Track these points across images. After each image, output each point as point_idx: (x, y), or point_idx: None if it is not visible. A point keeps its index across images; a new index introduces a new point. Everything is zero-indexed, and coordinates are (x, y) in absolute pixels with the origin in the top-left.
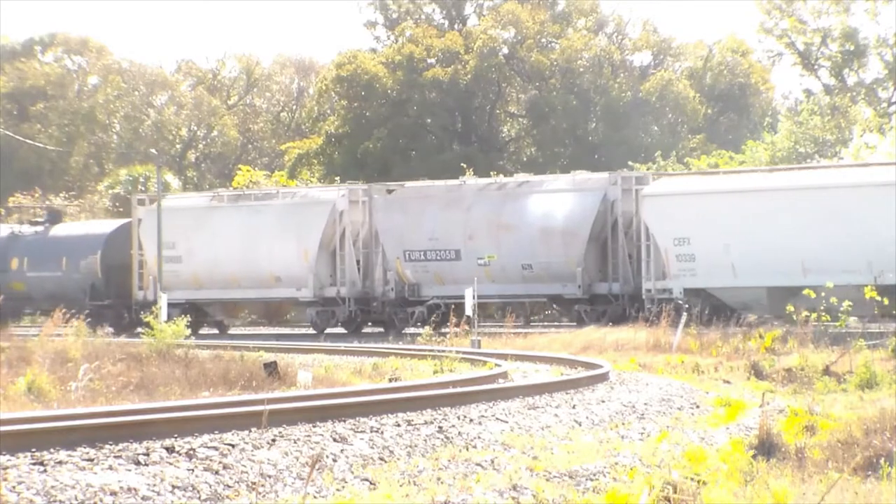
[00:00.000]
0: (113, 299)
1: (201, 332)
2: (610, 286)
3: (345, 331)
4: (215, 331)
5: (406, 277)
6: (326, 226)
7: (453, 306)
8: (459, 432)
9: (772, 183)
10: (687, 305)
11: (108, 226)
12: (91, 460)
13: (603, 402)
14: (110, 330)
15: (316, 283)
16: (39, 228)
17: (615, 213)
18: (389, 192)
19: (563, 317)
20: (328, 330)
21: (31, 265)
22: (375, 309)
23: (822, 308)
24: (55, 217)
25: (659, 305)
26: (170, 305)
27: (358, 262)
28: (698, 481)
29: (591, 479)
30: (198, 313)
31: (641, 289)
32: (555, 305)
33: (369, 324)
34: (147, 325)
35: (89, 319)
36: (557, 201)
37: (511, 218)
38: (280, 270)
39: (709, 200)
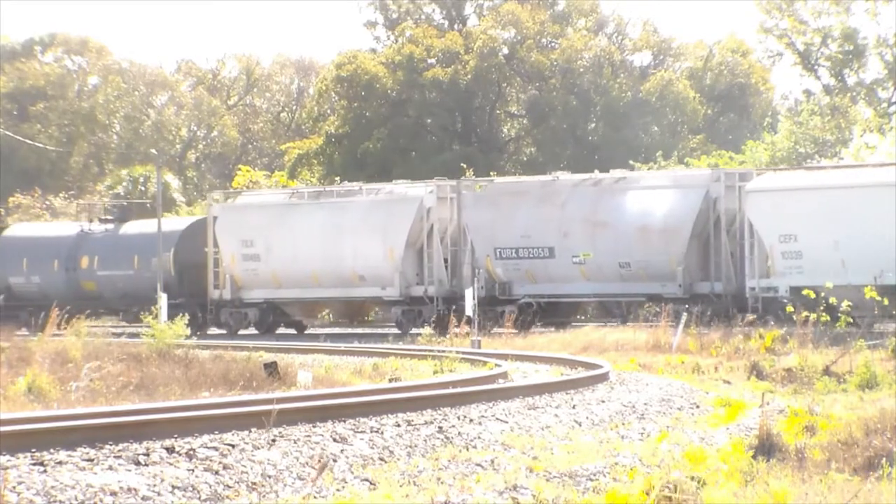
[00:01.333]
0: (186, 298)
1: (279, 332)
2: (712, 285)
3: (431, 331)
4: (292, 331)
5: (496, 276)
6: (413, 223)
7: (545, 305)
8: (459, 432)
9: (883, 178)
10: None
11: (181, 223)
12: (91, 460)
13: (603, 402)
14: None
15: (402, 281)
16: (109, 226)
17: (717, 210)
18: (479, 187)
19: (663, 317)
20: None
21: (101, 264)
22: (463, 308)
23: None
24: (125, 214)
25: (764, 304)
26: (247, 305)
27: (445, 259)
28: (698, 481)
29: (591, 479)
30: (275, 313)
31: (745, 288)
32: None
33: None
34: (225, 324)
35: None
36: (657, 198)
37: (607, 215)
38: (364, 269)
39: (817, 196)
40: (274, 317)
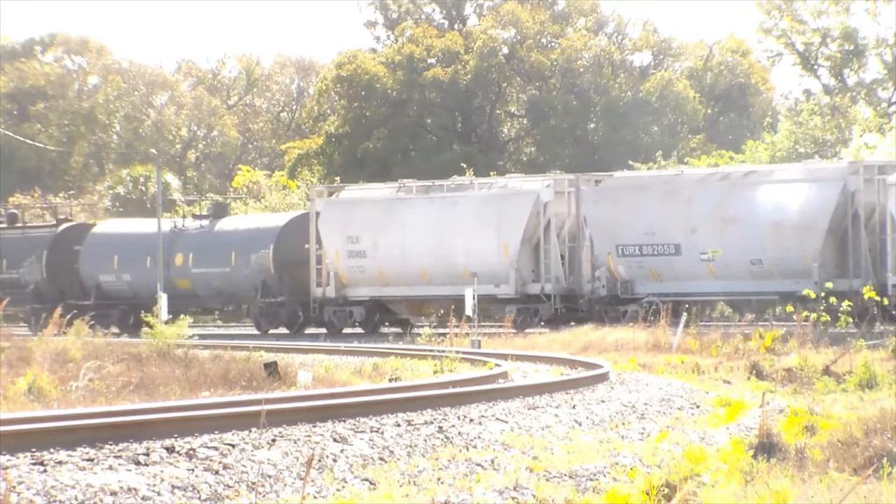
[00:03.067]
0: (287, 296)
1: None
2: (850, 282)
3: (546, 329)
4: (398, 330)
5: (618, 274)
6: (530, 218)
7: (670, 305)
8: (459, 432)
9: None
10: (687, 306)
11: (280, 219)
12: (91, 460)
13: (603, 402)
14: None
15: (518, 279)
16: (204, 222)
17: (856, 204)
18: (598, 182)
19: (796, 316)
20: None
21: (196, 261)
22: (581, 306)
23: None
24: (220, 210)
25: None
26: (351, 303)
27: (562, 256)
28: (698, 481)
29: (591, 479)
30: (381, 311)
31: (886, 285)
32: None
33: (572, 322)
34: (328, 323)
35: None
36: (790, 192)
37: (737, 210)
38: (477, 266)
39: None
40: (379, 315)
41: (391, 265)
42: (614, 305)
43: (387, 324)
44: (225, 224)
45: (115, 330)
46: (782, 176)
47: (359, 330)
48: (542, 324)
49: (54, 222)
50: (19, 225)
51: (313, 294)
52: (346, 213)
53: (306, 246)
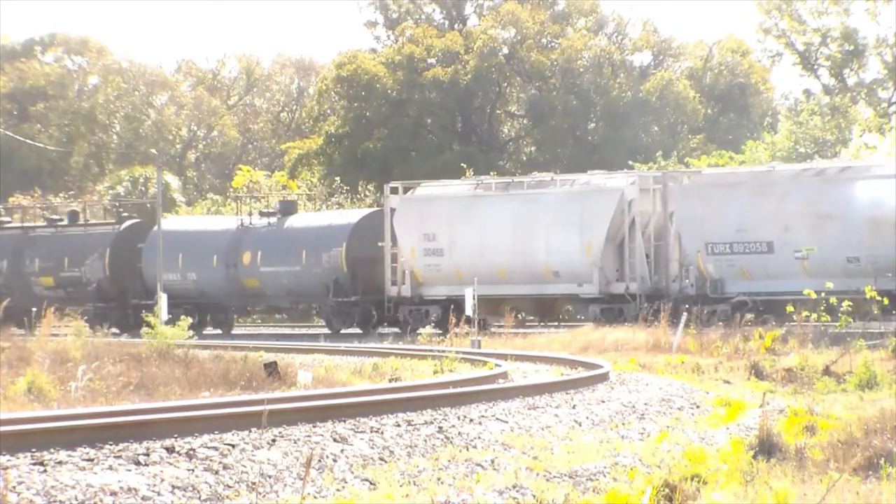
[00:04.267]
0: (360, 295)
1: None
2: None
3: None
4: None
5: (707, 272)
6: (614, 216)
7: (763, 304)
8: (459, 432)
9: None
10: (686, 306)
11: (352, 216)
12: (91, 460)
13: (603, 402)
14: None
15: (601, 278)
16: (272, 220)
17: None
18: (686, 179)
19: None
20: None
21: (265, 259)
22: (667, 306)
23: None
24: (288, 208)
25: None
26: (427, 302)
27: (647, 255)
28: (698, 481)
29: (591, 479)
30: (458, 310)
31: None
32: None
33: (656, 322)
34: (403, 322)
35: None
36: (888, 187)
37: (833, 206)
38: (559, 264)
39: None
40: (455, 315)
41: (469, 263)
42: (703, 305)
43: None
44: (295, 221)
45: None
46: (882, 171)
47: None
48: (627, 324)
49: (116, 220)
50: (81, 223)
51: (388, 293)
52: (422, 211)
53: (380, 244)
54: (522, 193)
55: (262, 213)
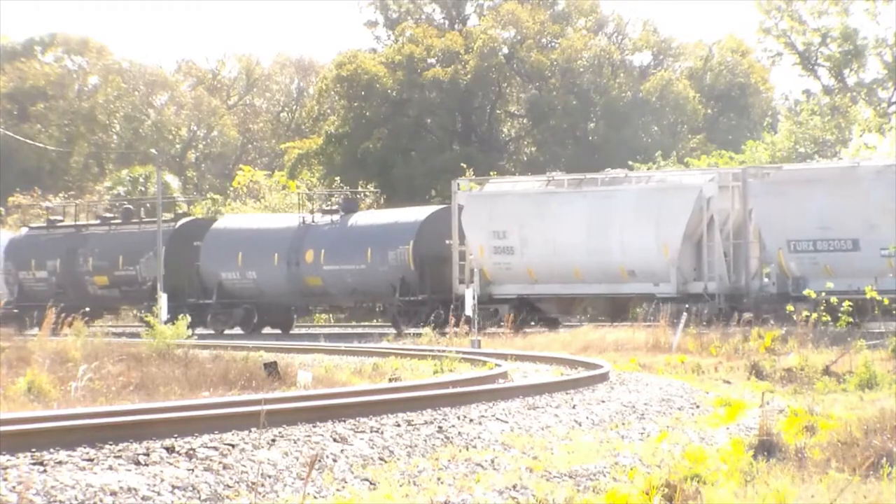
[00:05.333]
0: (427, 294)
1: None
2: None
3: (707, 328)
4: (544, 329)
5: (789, 270)
6: (692, 214)
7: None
8: (459, 432)
9: None
10: (686, 306)
11: (419, 213)
12: (91, 460)
13: (603, 402)
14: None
15: (679, 277)
16: (335, 217)
17: None
18: (766, 175)
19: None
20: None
21: (328, 257)
22: (746, 305)
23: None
24: (351, 205)
25: None
26: (497, 301)
27: (724, 253)
28: (698, 481)
29: (591, 479)
30: (527, 309)
31: None
32: None
33: (735, 322)
34: (470, 322)
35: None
36: None
37: None
38: (634, 263)
39: None
40: (526, 313)
41: (541, 262)
42: (784, 303)
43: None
44: (359, 219)
45: (238, 330)
46: None
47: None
48: (705, 324)
49: (172, 217)
50: (135, 220)
51: (455, 292)
52: (492, 208)
53: (448, 241)
54: (596, 190)
55: (324, 211)
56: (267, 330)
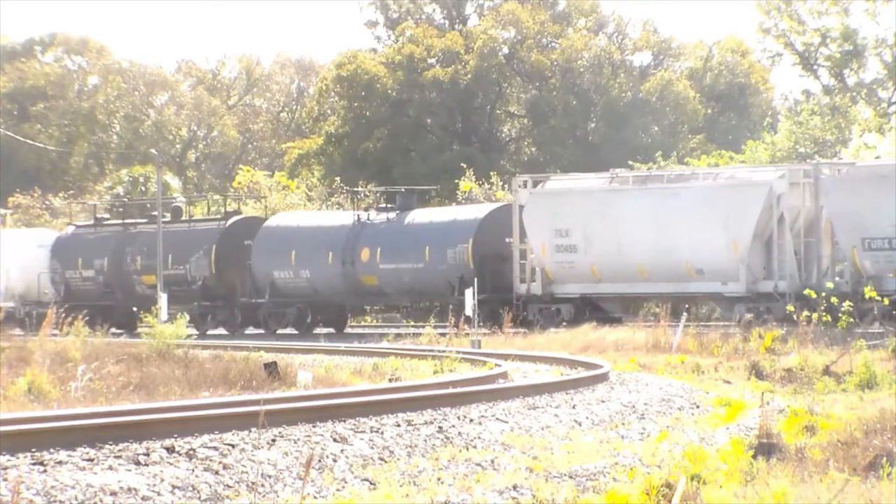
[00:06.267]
0: (488, 294)
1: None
2: None
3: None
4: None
5: (863, 269)
6: (762, 211)
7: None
8: (459, 432)
9: None
10: (686, 306)
11: (478, 210)
12: (91, 460)
13: (603, 402)
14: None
15: (748, 276)
16: (391, 215)
17: None
18: (839, 171)
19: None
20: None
21: (384, 256)
22: (815, 304)
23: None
24: (407, 202)
25: None
26: (559, 300)
27: (795, 252)
28: (698, 481)
29: (591, 479)
30: (590, 308)
31: None
32: None
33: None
34: (533, 321)
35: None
36: None
37: None
38: (702, 262)
39: None
40: (588, 312)
41: (605, 260)
42: (858, 303)
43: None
44: (416, 216)
45: (292, 330)
46: None
47: (329, 329)
48: (775, 324)
49: (222, 215)
50: (185, 219)
51: (516, 291)
52: (554, 206)
53: (507, 240)
54: (662, 187)
55: (379, 209)
56: (320, 329)
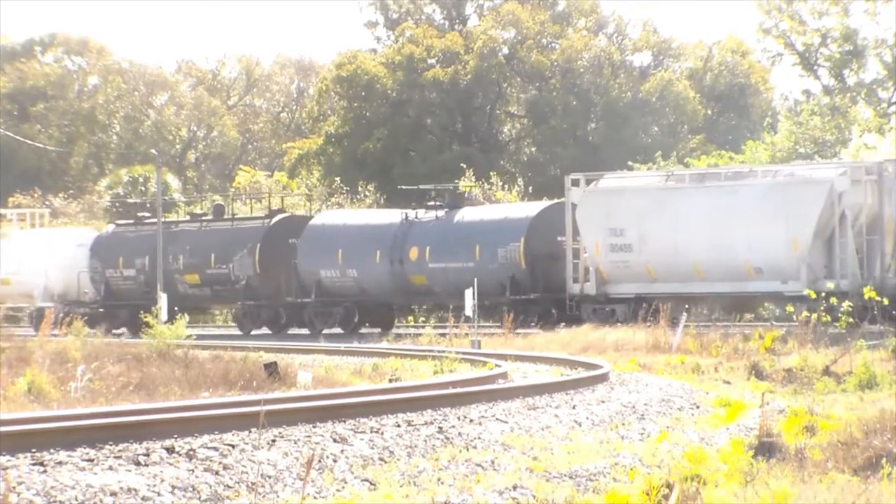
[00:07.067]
0: (540, 293)
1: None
2: None
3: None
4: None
5: None
6: (823, 209)
7: None
8: (459, 433)
9: None
10: (686, 306)
11: (530, 209)
12: (91, 461)
13: (603, 402)
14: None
15: (809, 275)
16: (440, 213)
17: None
18: None
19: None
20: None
21: (433, 255)
22: (873, 304)
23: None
24: (456, 200)
25: None
26: (613, 300)
27: (857, 250)
28: (698, 481)
29: (591, 480)
30: (645, 308)
31: None
32: None
33: (866, 322)
34: (587, 321)
35: (516, 315)
36: None
37: None
38: (761, 261)
39: None
40: (646, 313)
41: (660, 260)
42: None
43: (367, 324)
44: (466, 215)
45: (337, 330)
46: None
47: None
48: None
49: (266, 213)
50: (227, 217)
51: (569, 290)
52: (608, 204)
53: (560, 238)
54: (719, 185)
55: (428, 207)
56: (366, 329)
